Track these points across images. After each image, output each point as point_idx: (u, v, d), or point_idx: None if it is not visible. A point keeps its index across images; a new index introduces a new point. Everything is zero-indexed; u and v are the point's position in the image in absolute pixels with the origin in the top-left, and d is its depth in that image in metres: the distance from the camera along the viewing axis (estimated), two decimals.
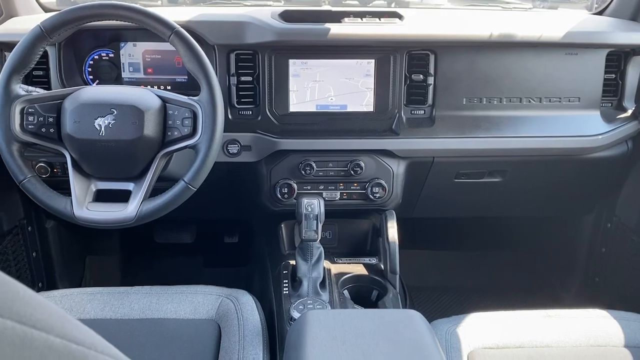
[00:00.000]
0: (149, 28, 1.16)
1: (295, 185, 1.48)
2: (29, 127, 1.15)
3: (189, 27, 1.33)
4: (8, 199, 1.56)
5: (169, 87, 1.49)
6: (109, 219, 1.16)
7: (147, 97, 1.17)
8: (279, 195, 1.47)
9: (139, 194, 1.18)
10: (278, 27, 1.39)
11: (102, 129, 1.13)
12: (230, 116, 1.44)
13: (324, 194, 1.50)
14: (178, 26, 1.16)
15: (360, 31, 1.40)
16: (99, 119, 1.13)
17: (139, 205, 1.17)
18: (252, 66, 1.43)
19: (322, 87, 1.45)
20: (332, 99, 1.46)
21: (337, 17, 1.44)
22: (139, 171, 1.20)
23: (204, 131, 1.16)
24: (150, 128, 1.15)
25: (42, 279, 1.73)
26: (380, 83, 1.45)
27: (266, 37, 1.38)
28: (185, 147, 1.18)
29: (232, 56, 1.41)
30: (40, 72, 1.41)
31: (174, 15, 1.34)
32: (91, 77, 1.48)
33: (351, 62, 1.44)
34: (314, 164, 1.45)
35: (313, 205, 1.35)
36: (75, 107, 1.14)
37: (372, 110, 1.47)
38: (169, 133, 1.18)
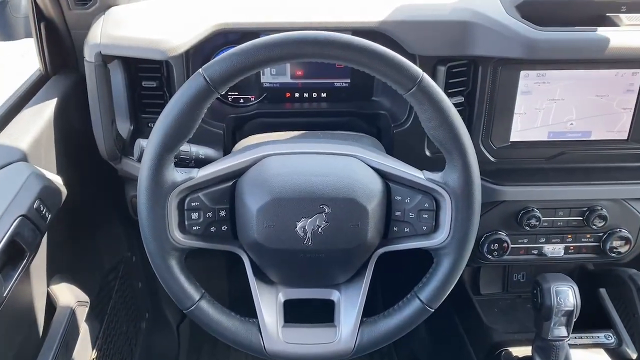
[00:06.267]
0: (379, 76, 0.71)
1: (508, 239, 1.08)
2: (194, 228, 0.75)
3: (383, 29, 0.91)
4: (114, 235, 1.31)
5: (324, 94, 1.07)
6: (317, 354, 0.78)
7: (368, 181, 0.74)
8: (486, 253, 1.08)
9: (352, 312, 0.79)
10: (531, 36, 0.92)
11: (309, 235, 0.73)
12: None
13: (546, 249, 1.10)
14: (423, 73, 0.70)
15: None
16: (303, 220, 0.72)
17: (357, 331, 0.78)
18: (464, 81, 0.99)
19: (561, 107, 1.01)
20: (572, 124, 1.03)
21: (597, 8, 0.98)
22: (347, 278, 0.81)
23: (454, 231, 0.75)
24: (374, 228, 0.75)
25: (148, 308, 1.49)
26: None
27: (512, 50, 0.93)
28: (420, 248, 0.77)
29: (442, 70, 0.96)
30: (154, 84, 1.00)
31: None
32: None
33: (608, 74, 0.99)
34: (539, 214, 1.05)
35: (566, 295, 0.95)
36: (265, 204, 0.72)
37: (625, 138, 1.04)
38: (395, 228, 0.77)
